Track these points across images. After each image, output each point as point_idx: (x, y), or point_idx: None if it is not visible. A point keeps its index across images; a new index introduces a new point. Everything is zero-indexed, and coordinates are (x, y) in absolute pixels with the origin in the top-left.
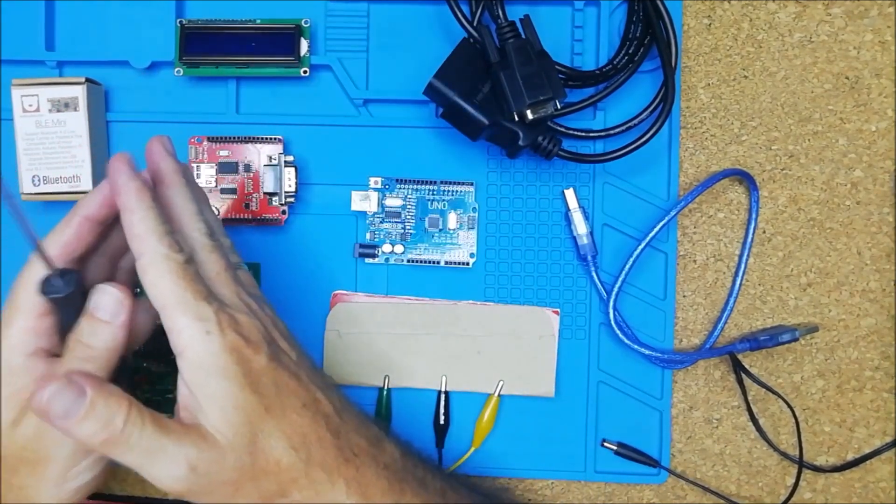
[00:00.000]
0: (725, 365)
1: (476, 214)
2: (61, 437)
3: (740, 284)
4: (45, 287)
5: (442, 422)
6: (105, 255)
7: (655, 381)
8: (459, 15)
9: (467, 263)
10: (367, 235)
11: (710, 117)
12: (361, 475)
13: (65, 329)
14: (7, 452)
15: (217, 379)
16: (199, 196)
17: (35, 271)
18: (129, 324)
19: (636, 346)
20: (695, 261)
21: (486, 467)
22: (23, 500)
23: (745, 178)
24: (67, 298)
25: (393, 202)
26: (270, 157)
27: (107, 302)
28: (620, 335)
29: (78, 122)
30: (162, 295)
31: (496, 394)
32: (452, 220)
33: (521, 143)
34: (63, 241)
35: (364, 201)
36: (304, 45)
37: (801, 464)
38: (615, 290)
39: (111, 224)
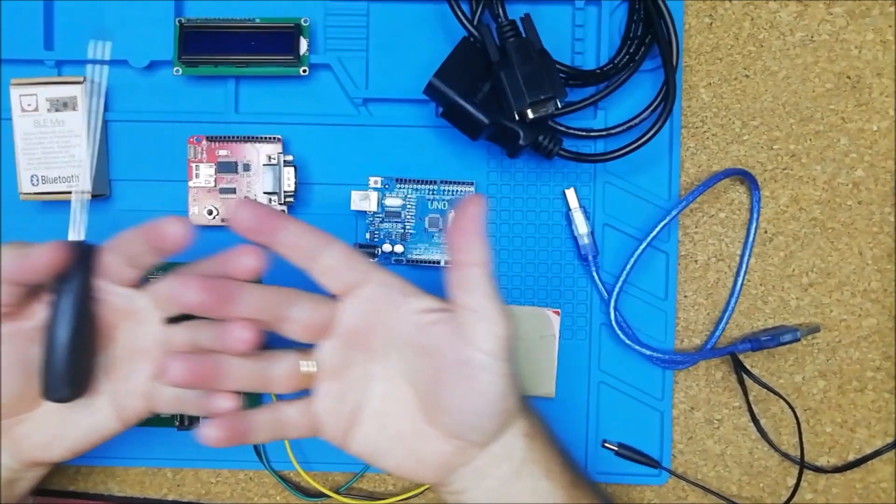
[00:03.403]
0: (727, 365)
1: None
2: None
3: (741, 284)
4: None
5: None
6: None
7: (656, 382)
8: (460, 14)
9: None
10: (367, 235)
11: (712, 117)
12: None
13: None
14: None
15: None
16: None
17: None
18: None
19: (637, 347)
20: (696, 261)
21: None
22: None
23: (746, 178)
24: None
25: (393, 202)
26: (270, 157)
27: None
28: (621, 335)
29: (76, 122)
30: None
31: None
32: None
33: (521, 142)
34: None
35: (364, 201)
36: (303, 44)
37: (803, 464)
38: (616, 290)
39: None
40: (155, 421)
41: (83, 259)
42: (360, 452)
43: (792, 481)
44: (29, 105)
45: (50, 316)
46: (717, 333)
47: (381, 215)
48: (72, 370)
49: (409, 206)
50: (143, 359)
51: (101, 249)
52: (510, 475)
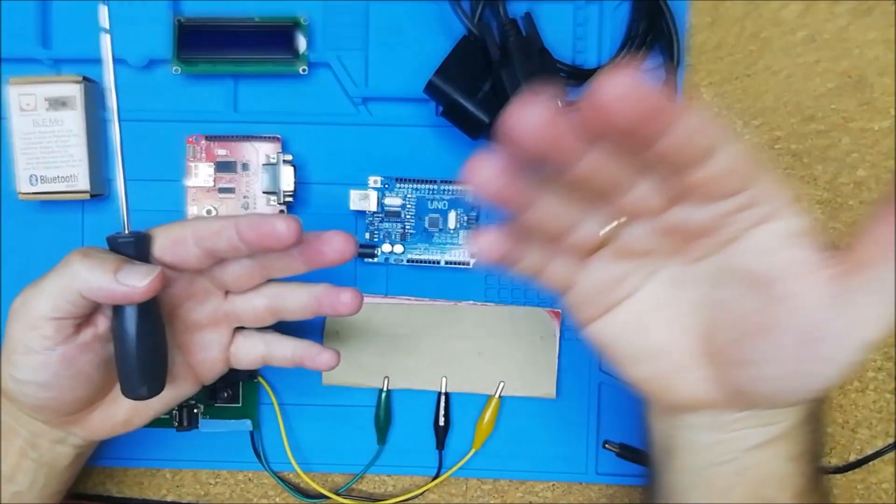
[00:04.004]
0: None
1: (476, 214)
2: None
3: None
4: (111, 241)
5: (442, 423)
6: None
7: None
8: (460, 12)
9: (467, 263)
10: (367, 235)
11: (713, 116)
12: None
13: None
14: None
15: None
16: None
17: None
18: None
19: None
20: None
21: (486, 469)
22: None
23: None
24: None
25: (392, 201)
26: (268, 156)
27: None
28: None
29: (75, 121)
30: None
31: (497, 395)
32: (452, 219)
33: None
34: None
35: (363, 200)
36: (302, 43)
37: None
38: None
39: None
40: (154, 422)
41: (142, 255)
42: (597, 340)
43: None
44: (27, 104)
45: (115, 319)
46: None
47: (380, 215)
48: (145, 369)
49: (408, 206)
50: (214, 329)
51: (177, 240)
52: (757, 442)
